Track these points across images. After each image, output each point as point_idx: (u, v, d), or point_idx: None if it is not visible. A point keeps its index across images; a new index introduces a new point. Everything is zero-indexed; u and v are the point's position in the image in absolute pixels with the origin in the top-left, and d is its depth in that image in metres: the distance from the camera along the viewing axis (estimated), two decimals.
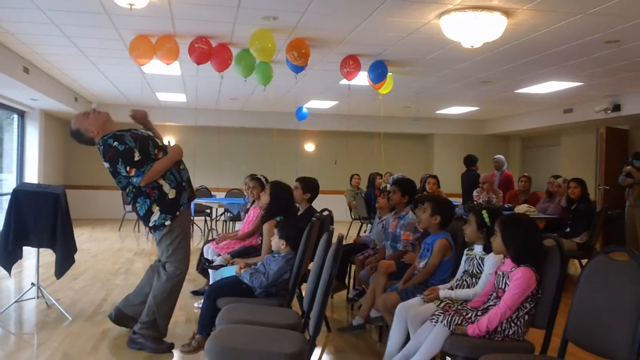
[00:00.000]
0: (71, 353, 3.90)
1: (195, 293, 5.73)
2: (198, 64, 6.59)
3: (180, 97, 11.55)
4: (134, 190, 3.83)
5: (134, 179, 3.73)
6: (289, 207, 4.53)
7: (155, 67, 7.50)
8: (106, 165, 3.79)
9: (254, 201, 5.92)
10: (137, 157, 3.71)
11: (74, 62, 8.21)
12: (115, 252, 8.72)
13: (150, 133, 4.06)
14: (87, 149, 13.43)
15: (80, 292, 5.81)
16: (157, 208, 3.84)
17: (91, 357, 3.84)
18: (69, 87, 10.60)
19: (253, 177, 5.91)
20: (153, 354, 3.87)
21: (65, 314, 4.75)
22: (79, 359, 3.79)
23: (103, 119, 3.93)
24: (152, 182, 3.78)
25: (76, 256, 4.91)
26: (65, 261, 4.72)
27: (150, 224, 3.89)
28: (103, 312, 4.97)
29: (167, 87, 10.22)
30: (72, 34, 6.56)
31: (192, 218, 4.30)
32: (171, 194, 3.85)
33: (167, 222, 3.87)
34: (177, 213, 3.89)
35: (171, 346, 3.95)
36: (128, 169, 3.70)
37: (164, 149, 3.92)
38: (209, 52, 6.47)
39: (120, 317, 4.24)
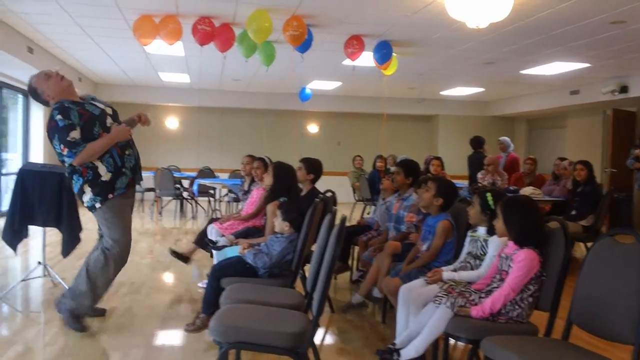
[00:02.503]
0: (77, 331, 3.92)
1: (178, 256, 5.56)
2: (201, 44, 6.55)
3: (183, 78, 11.50)
4: (70, 167, 3.73)
5: (66, 159, 3.62)
6: (292, 188, 4.52)
7: (158, 47, 7.46)
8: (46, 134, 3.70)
9: (252, 181, 5.91)
10: (72, 136, 3.57)
11: (77, 42, 8.18)
12: None
13: (107, 110, 3.88)
14: None
15: None
16: (89, 189, 3.73)
17: (98, 335, 3.86)
18: (72, 67, 10.57)
19: (256, 158, 5.89)
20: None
21: None
22: (84, 337, 3.81)
23: (64, 87, 3.81)
24: (88, 162, 3.67)
25: (82, 235, 4.91)
26: (71, 240, 4.74)
27: (84, 204, 3.82)
28: (108, 291, 4.96)
29: (171, 67, 10.18)
30: (75, 13, 6.52)
31: (136, 203, 4.14)
32: (106, 177, 3.72)
33: (97, 204, 3.75)
34: (110, 196, 3.75)
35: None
36: (62, 147, 3.58)
37: (110, 130, 3.76)
38: (211, 32, 6.43)
39: None
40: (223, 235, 4.97)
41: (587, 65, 8.78)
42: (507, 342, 2.45)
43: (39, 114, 11.08)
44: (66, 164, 3.70)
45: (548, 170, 9.64)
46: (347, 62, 7.79)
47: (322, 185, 4.96)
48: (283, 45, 7.07)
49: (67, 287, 3.97)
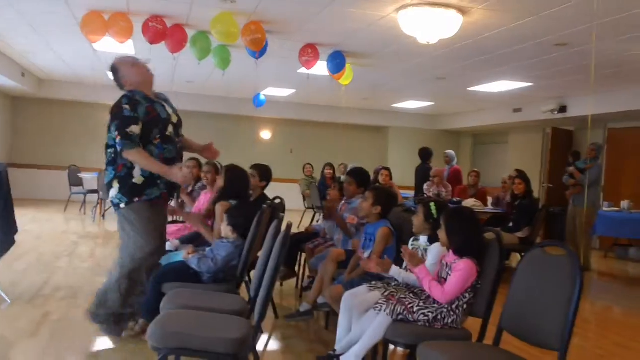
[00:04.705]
0: (9, 336, 3.80)
1: None
2: (152, 43, 6.45)
3: None
4: (112, 155, 3.67)
5: (117, 146, 3.58)
6: (242, 193, 4.50)
7: (108, 44, 7.30)
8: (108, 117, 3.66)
9: (195, 185, 5.89)
10: (132, 130, 3.53)
11: (21, 36, 7.90)
12: (60, 234, 8.50)
13: (173, 117, 3.83)
14: (34, 126, 12.90)
15: (22, 274, 5.64)
16: (117, 186, 3.67)
17: (31, 340, 3.75)
18: (16, 62, 10.19)
19: (208, 162, 5.84)
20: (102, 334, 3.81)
21: (4, 296, 4.60)
22: (18, 342, 3.70)
23: (145, 79, 3.79)
24: (127, 161, 3.64)
25: (18, 237, 4.73)
26: (5, 242, 4.52)
27: (110, 198, 3.76)
28: (44, 295, 4.85)
29: None
30: (20, 6, 6.30)
31: (164, 220, 4.06)
32: (138, 180, 3.66)
33: (122, 205, 3.68)
34: (136, 199, 3.66)
35: (121, 330, 3.83)
36: (116, 133, 3.55)
37: (167, 139, 3.72)
38: (163, 32, 6.34)
39: None
40: (168, 240, 4.91)
41: (530, 84, 9.14)
42: (441, 347, 2.54)
43: None
44: (109, 150, 3.66)
45: (490, 184, 9.95)
46: (303, 70, 7.84)
47: (272, 191, 4.97)
48: (238, 50, 7.05)
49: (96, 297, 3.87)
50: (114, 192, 3.69)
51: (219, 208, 4.24)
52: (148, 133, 3.63)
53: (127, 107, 3.58)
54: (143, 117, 3.60)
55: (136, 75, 3.77)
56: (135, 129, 3.55)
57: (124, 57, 3.88)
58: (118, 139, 3.55)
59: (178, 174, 3.62)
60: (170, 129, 3.78)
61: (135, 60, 3.83)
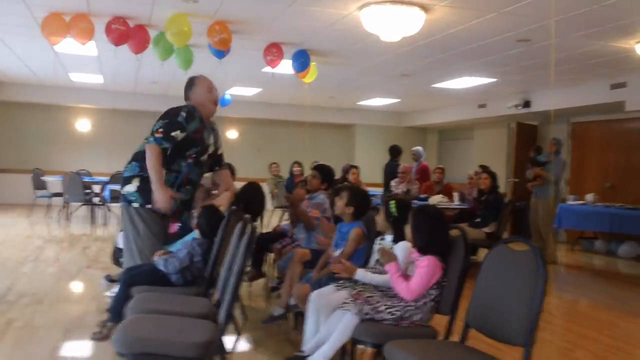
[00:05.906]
0: None
1: (111, 280, 5.53)
2: (116, 45, 6.37)
3: (97, 79, 11.08)
4: (143, 149, 3.70)
5: (151, 139, 3.63)
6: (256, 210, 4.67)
7: (69, 46, 7.16)
8: None
9: None
10: (174, 134, 3.64)
11: None
12: (24, 238, 8.31)
13: (211, 146, 3.95)
14: None
15: None
16: (137, 184, 3.71)
17: None
18: None
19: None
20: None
21: None
22: None
23: (207, 107, 3.91)
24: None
25: None
26: None
27: (123, 192, 3.76)
28: (8, 301, 4.73)
29: (82, 67, 9.78)
30: None
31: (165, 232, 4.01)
32: None
33: (135, 205, 3.72)
34: (148, 206, 3.70)
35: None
36: (160, 130, 3.63)
37: (198, 162, 3.83)
38: (126, 33, 6.26)
39: None
40: None
41: (494, 80, 9.27)
42: (407, 345, 2.55)
43: None
44: (145, 142, 3.69)
45: (456, 180, 10.05)
46: (267, 69, 7.81)
47: None
48: (201, 50, 6.99)
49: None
50: (131, 188, 3.73)
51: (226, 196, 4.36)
52: (186, 148, 3.74)
53: (184, 114, 3.71)
54: (190, 132, 3.72)
55: (205, 100, 3.92)
56: (178, 134, 3.66)
57: (206, 78, 4.03)
58: (158, 135, 3.62)
59: (164, 199, 3.64)
60: (205, 156, 3.90)
61: (213, 88, 4.00)
